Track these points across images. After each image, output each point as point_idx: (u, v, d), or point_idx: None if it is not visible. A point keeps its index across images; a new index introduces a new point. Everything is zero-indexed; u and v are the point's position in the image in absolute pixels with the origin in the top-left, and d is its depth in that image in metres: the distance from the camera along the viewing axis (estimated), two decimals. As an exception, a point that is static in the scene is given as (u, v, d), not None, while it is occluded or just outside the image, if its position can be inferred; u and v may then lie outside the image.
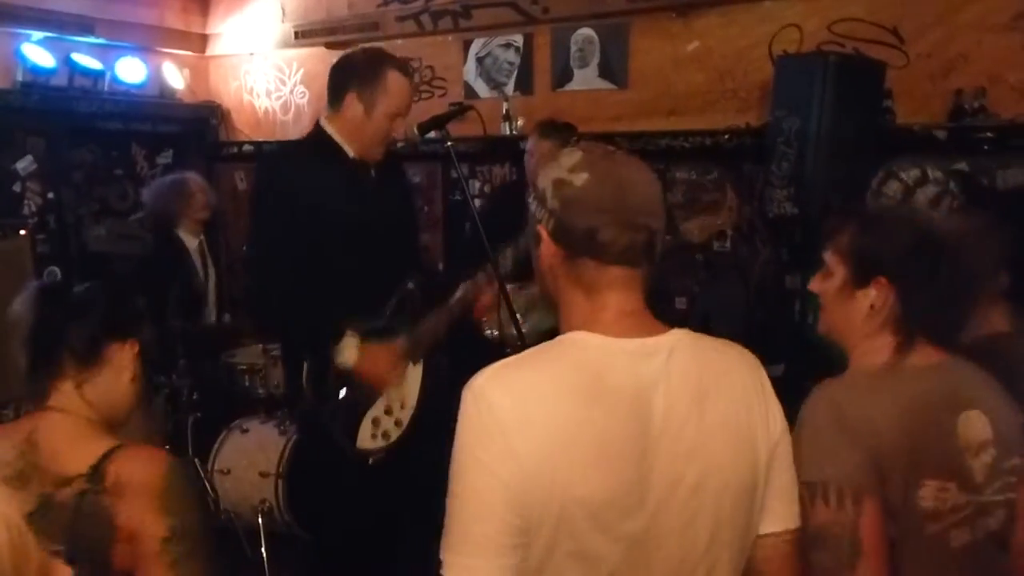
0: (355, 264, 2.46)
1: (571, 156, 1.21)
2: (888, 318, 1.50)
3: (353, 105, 2.45)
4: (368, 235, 2.49)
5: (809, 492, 1.35)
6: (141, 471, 1.40)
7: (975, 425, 1.44)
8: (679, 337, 1.19)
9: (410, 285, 2.59)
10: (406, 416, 2.58)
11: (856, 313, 1.53)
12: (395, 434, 2.55)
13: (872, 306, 1.51)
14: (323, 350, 2.42)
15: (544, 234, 1.22)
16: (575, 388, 1.11)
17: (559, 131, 3.43)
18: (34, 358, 1.47)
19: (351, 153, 2.51)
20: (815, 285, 1.62)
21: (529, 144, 3.48)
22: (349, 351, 2.39)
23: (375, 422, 2.52)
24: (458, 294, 2.61)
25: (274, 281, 2.42)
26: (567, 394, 1.11)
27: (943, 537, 1.41)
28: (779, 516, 1.24)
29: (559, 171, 1.20)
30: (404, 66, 2.54)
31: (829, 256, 1.58)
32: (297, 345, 2.53)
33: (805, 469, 1.33)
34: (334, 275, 2.42)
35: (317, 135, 2.55)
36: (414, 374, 2.62)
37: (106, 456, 1.39)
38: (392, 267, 2.57)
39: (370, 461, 2.51)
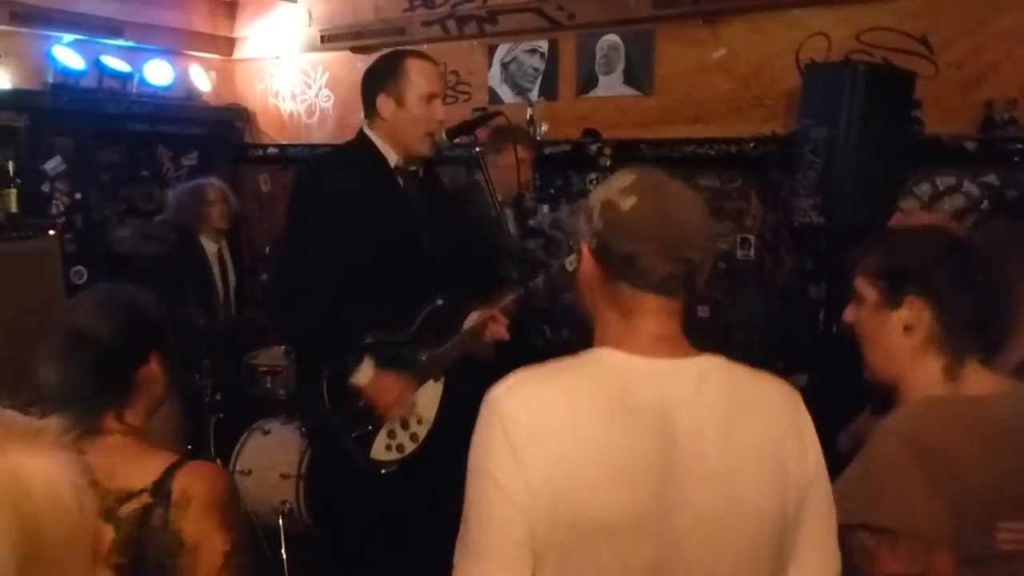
0: (389, 273, 2.47)
1: (624, 178, 1.22)
2: (928, 338, 1.42)
3: (385, 104, 2.48)
4: (405, 244, 2.50)
5: (876, 539, 1.27)
6: (206, 486, 1.41)
7: None
8: (712, 361, 1.18)
9: (439, 301, 2.58)
10: (422, 431, 2.58)
11: (894, 338, 1.45)
12: (409, 448, 2.55)
13: (907, 327, 1.43)
14: (344, 361, 2.43)
15: (586, 251, 1.23)
16: (595, 403, 1.10)
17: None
18: (77, 408, 1.43)
19: (393, 160, 2.53)
20: (849, 315, 1.55)
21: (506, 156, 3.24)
22: (364, 374, 2.42)
23: (391, 434, 2.53)
24: (467, 324, 2.61)
25: (305, 287, 2.43)
26: (586, 409, 1.10)
27: None
28: (812, 568, 1.19)
29: (609, 191, 1.21)
30: (423, 53, 2.57)
31: (859, 282, 1.52)
32: (320, 354, 2.53)
33: (874, 512, 1.28)
34: (367, 283, 2.43)
35: (360, 141, 2.57)
36: (434, 390, 2.62)
37: (170, 471, 1.40)
38: (426, 277, 2.56)
39: (382, 472, 2.51)
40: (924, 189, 3.44)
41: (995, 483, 1.29)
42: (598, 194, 1.23)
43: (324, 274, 2.40)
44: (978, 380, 1.40)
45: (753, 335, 3.91)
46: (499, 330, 2.54)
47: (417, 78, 2.46)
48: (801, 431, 1.19)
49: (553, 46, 4.46)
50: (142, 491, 1.38)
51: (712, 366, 1.18)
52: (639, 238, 1.15)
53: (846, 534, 1.26)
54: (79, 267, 4.50)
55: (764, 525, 1.13)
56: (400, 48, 2.65)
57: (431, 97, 2.47)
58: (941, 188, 3.42)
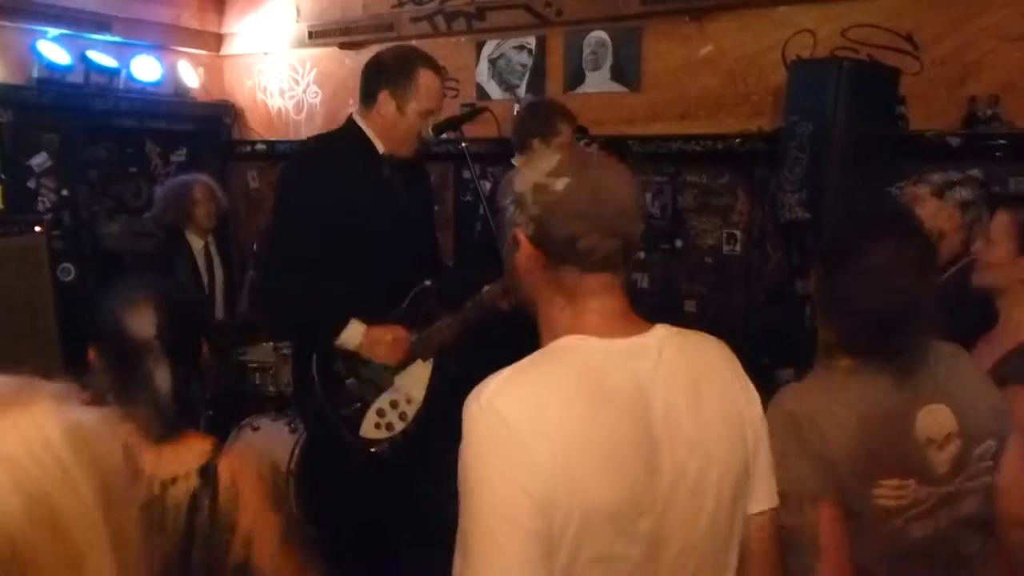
0: (376, 260, 2.51)
1: (550, 160, 1.22)
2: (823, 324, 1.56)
3: (386, 103, 2.50)
4: (391, 233, 2.54)
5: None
6: (250, 472, 1.44)
7: (938, 419, 1.46)
8: (664, 333, 1.22)
9: (427, 283, 2.63)
10: (411, 411, 2.61)
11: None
12: (399, 426, 2.58)
13: (813, 309, 1.60)
14: (332, 340, 2.48)
15: (523, 238, 1.22)
16: (580, 392, 1.12)
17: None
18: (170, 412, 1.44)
19: (381, 149, 2.56)
20: None
21: (566, 134, 3.36)
22: (353, 332, 2.45)
23: (380, 413, 2.56)
24: (477, 297, 2.63)
25: (294, 275, 2.46)
26: (574, 398, 1.11)
27: (903, 530, 1.44)
28: (763, 496, 1.27)
29: (538, 175, 1.20)
30: (436, 64, 2.58)
31: None
32: (308, 337, 2.57)
33: None
34: (354, 271, 2.46)
35: (349, 130, 2.59)
36: (423, 371, 2.65)
37: (212, 457, 1.42)
38: (411, 265, 2.61)
39: (373, 450, 2.55)
40: (936, 177, 3.45)
41: (869, 448, 1.42)
42: (526, 177, 1.22)
43: (312, 260, 2.43)
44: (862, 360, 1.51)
45: (739, 330, 3.94)
46: (505, 303, 2.57)
47: (425, 92, 2.49)
48: (744, 380, 1.27)
49: (540, 42, 4.47)
50: (185, 475, 1.39)
51: (666, 337, 1.21)
52: (577, 218, 1.16)
53: None
54: (66, 264, 4.48)
55: (731, 477, 1.19)
56: (414, 50, 2.64)
57: (430, 112, 2.52)
58: (954, 178, 3.42)
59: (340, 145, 2.60)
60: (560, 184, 1.18)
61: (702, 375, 1.21)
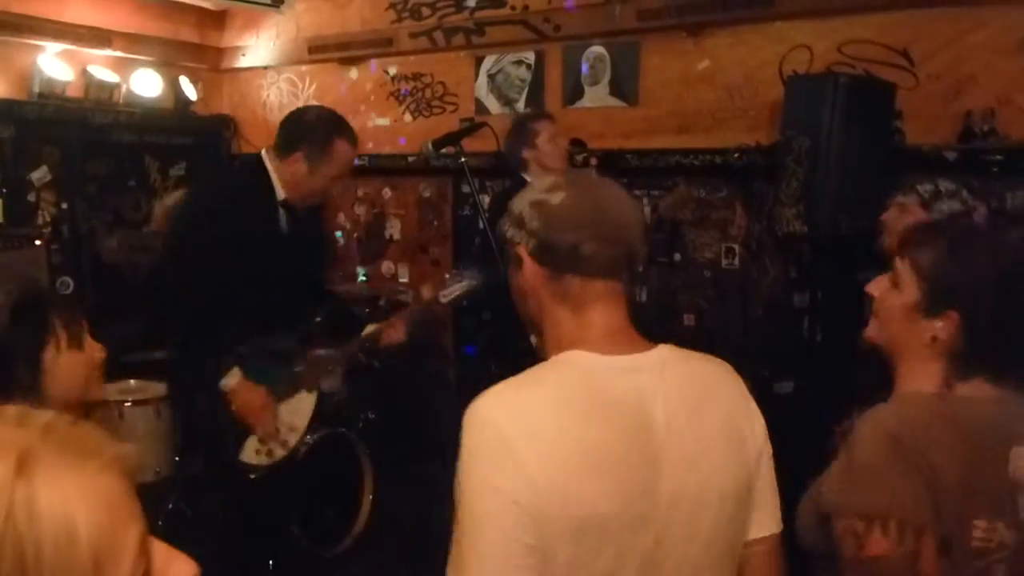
0: (266, 296, 2.58)
1: (545, 180, 1.28)
2: (947, 350, 1.41)
3: (299, 162, 2.59)
4: (280, 273, 2.62)
5: (865, 523, 1.30)
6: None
7: (1021, 461, 1.37)
8: (667, 352, 1.23)
9: (317, 319, 2.76)
10: (293, 439, 2.68)
11: (916, 338, 1.43)
12: (279, 454, 2.65)
13: (935, 338, 1.41)
14: (220, 368, 2.54)
15: (525, 255, 1.24)
16: (577, 404, 1.12)
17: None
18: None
19: (281, 196, 2.64)
20: (876, 289, 1.51)
21: (548, 130, 3.49)
22: (231, 380, 2.52)
23: (261, 440, 2.62)
24: (364, 333, 2.76)
25: (185, 307, 2.51)
26: (569, 410, 1.12)
27: (986, 573, 1.35)
28: (765, 521, 1.27)
29: (536, 194, 1.25)
30: (353, 135, 2.67)
31: (903, 268, 1.46)
32: (194, 368, 2.63)
33: (860, 499, 1.32)
34: (243, 306, 2.53)
35: (255, 170, 2.65)
36: (307, 401, 2.72)
37: None
38: (299, 302, 2.75)
39: (251, 477, 2.60)
40: (927, 188, 3.45)
41: (971, 480, 1.33)
42: (524, 198, 1.26)
43: (202, 293, 2.48)
44: (971, 386, 1.41)
45: (738, 343, 3.95)
46: (395, 334, 2.71)
47: (338, 160, 2.60)
48: (747, 402, 1.27)
49: (539, 57, 4.49)
50: None
51: (669, 355, 1.23)
52: (578, 227, 1.19)
53: (835, 521, 1.34)
54: (65, 277, 4.48)
55: (732, 496, 1.20)
56: (336, 119, 2.71)
57: (338, 177, 2.65)
58: (943, 190, 3.43)
59: (243, 184, 2.70)
60: (557, 199, 1.21)
61: (703, 394, 1.22)
